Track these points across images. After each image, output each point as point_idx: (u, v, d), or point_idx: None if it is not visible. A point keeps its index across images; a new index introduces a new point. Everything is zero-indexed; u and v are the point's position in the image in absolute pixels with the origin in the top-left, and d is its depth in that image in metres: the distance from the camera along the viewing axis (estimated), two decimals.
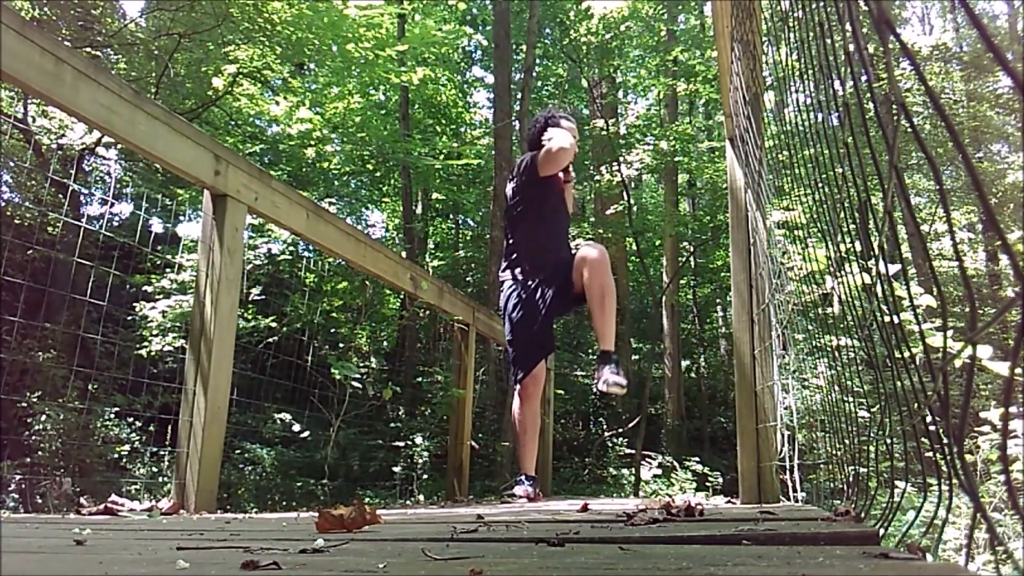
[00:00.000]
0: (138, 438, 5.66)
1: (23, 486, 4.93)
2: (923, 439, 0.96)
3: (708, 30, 9.83)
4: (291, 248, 5.82)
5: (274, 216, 2.88)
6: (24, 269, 6.66)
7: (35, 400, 5.30)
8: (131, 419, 5.64)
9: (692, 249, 11.19)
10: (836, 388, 2.06)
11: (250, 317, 5.18)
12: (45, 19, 6.57)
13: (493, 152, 8.73)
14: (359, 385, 4.59)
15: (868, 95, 0.99)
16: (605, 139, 9.56)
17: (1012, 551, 2.29)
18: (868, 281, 1.16)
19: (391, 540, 1.16)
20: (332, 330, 5.86)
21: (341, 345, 5.74)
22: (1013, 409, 2.52)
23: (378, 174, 9.66)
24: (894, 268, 1.72)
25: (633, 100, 14.40)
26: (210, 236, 2.53)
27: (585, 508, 2.12)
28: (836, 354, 1.85)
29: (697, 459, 7.12)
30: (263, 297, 5.48)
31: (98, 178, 8.86)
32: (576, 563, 0.81)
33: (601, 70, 10.87)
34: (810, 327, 2.63)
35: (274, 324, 5.27)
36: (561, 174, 3.39)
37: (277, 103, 7.19)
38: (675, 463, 6.85)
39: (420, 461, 5.89)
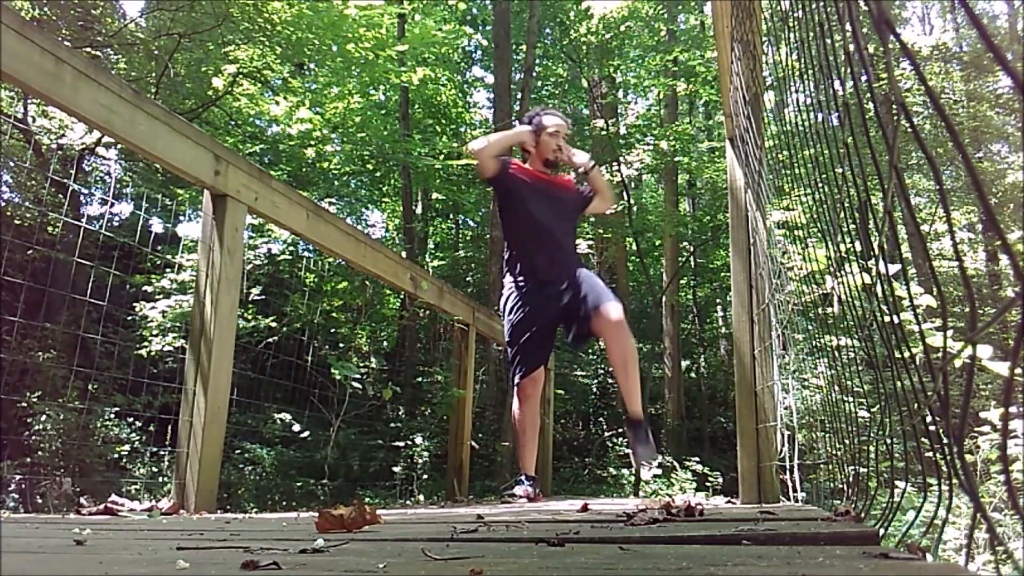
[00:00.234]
0: (138, 438, 5.66)
1: (23, 486, 4.93)
2: (923, 439, 0.96)
3: (708, 30, 9.83)
4: (291, 248, 5.82)
5: (274, 216, 2.88)
6: (24, 269, 6.66)
7: (35, 400, 5.30)
8: (131, 419, 5.64)
9: (692, 249, 11.20)
10: (836, 388, 2.06)
11: (250, 317, 5.18)
12: (45, 19, 6.57)
13: None
14: (359, 385, 4.59)
15: (868, 95, 0.99)
16: (605, 139, 9.56)
17: (1012, 551, 2.29)
18: (868, 281, 1.16)
19: (391, 540, 1.16)
20: (332, 330, 5.87)
21: (341, 345, 5.74)
22: (1013, 409, 2.52)
23: (378, 174, 9.65)
24: (894, 268, 1.72)
25: (633, 100, 14.40)
26: (210, 236, 2.53)
27: (585, 508, 2.12)
28: (836, 354, 1.85)
29: (697, 459, 7.11)
30: (263, 297, 5.47)
31: (98, 178, 8.87)
32: (576, 563, 0.81)
33: (601, 70, 10.86)
34: (810, 327, 2.63)
35: (274, 324, 5.27)
36: (549, 169, 3.32)
37: (277, 103, 7.18)
38: (675, 463, 6.84)
39: (420, 461, 5.88)
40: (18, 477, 5.00)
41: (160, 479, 5.07)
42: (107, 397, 5.74)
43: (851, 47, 0.97)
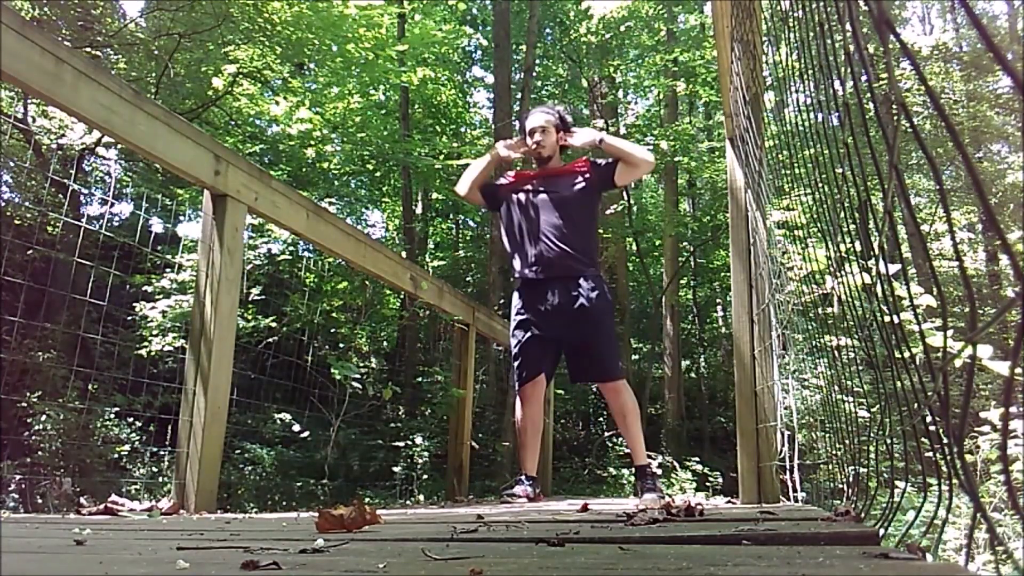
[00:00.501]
0: (138, 438, 5.66)
1: (23, 486, 4.93)
2: (923, 439, 0.96)
3: (708, 30, 9.83)
4: (291, 248, 5.81)
5: (274, 216, 2.88)
6: (24, 269, 6.66)
7: (35, 400, 5.30)
8: (131, 419, 5.63)
9: (692, 249, 11.19)
10: (836, 388, 2.06)
11: (250, 317, 5.18)
12: (45, 19, 6.58)
13: None
14: (359, 385, 4.59)
15: (868, 95, 0.99)
16: None
17: (1012, 551, 2.29)
18: (868, 281, 1.16)
19: (391, 540, 1.16)
20: (332, 330, 5.86)
21: (341, 345, 5.74)
22: (1013, 409, 2.52)
23: (378, 174, 9.65)
24: (894, 268, 1.72)
25: (633, 100, 14.40)
26: (210, 236, 2.53)
27: (585, 508, 2.12)
28: (836, 354, 1.85)
29: (697, 459, 7.11)
30: (263, 297, 5.47)
31: (98, 178, 8.87)
32: (576, 563, 0.81)
33: (601, 70, 10.87)
34: (810, 327, 2.63)
35: (274, 324, 5.26)
36: (552, 163, 3.33)
37: (277, 103, 7.18)
38: (675, 463, 6.84)
39: (420, 461, 5.88)
40: (18, 477, 5.00)
41: (160, 479, 5.07)
42: (107, 397, 5.73)
43: (851, 47, 0.97)
